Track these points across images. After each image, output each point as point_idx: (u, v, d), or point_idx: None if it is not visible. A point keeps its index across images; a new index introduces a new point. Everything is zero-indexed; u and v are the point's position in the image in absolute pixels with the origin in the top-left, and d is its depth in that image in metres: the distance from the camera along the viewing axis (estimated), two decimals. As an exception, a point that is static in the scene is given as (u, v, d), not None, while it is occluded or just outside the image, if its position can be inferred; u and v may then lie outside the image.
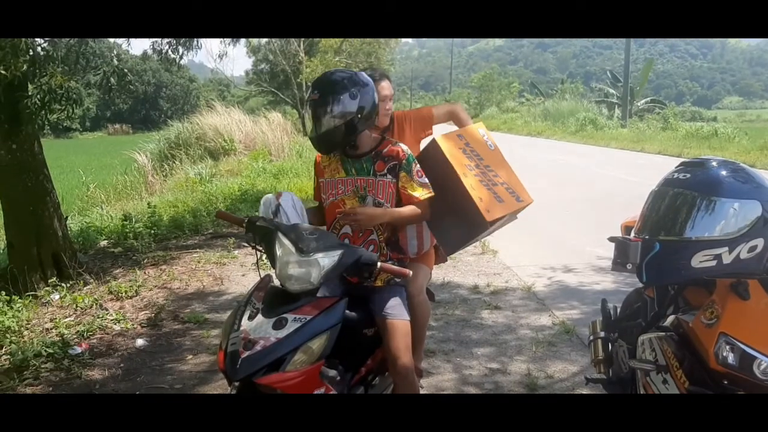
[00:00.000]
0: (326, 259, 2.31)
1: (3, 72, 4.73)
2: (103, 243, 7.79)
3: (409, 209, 2.65)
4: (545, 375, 3.77)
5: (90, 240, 7.72)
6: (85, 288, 5.74)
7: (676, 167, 2.16)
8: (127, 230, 7.84)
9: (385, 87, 3.03)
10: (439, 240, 2.96)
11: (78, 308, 5.14)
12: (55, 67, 5.73)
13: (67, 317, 5.00)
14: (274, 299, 2.34)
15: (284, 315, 2.26)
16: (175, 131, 21.41)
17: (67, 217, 6.62)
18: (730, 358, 1.90)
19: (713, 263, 1.89)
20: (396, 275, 2.56)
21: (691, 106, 53.79)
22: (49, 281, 5.69)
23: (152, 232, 7.97)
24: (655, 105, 35.93)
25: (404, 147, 2.72)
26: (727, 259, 1.88)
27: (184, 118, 24.03)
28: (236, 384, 2.26)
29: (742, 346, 1.89)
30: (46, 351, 4.08)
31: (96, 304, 5.20)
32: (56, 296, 5.40)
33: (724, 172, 2.00)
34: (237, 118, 20.86)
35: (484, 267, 6.31)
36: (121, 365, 4.02)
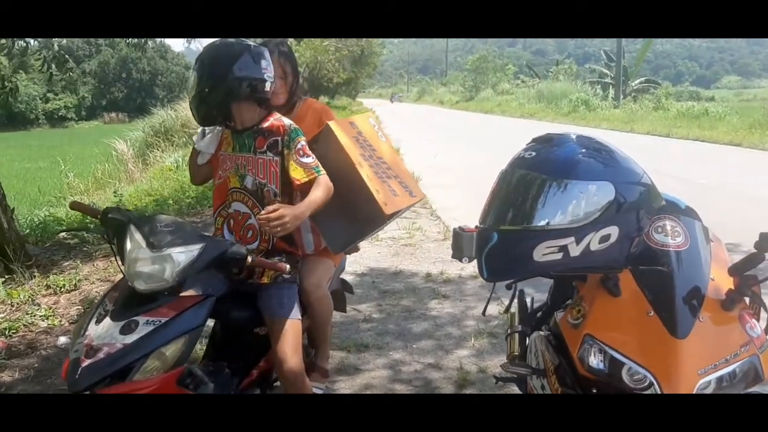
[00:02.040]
0: (182, 255, 2.07)
1: None
2: (62, 235, 7.58)
3: (315, 195, 2.37)
4: (478, 369, 3.56)
5: (48, 231, 7.51)
6: (29, 282, 5.52)
7: (527, 144, 1.86)
8: (88, 221, 7.61)
9: (277, 63, 2.70)
10: (324, 236, 2.71)
11: (12, 303, 4.92)
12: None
13: (0, 313, 4.80)
14: (129, 300, 2.09)
15: (135, 317, 2.02)
16: (159, 119, 21.14)
17: (13, 208, 6.39)
18: (597, 363, 1.68)
19: (559, 256, 1.61)
20: (273, 270, 2.34)
21: (689, 86, 53.17)
22: (-3, 274, 5.48)
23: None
24: (650, 85, 35.44)
25: (287, 121, 2.47)
26: (574, 250, 1.61)
27: (168, 105, 23.71)
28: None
29: (610, 351, 1.67)
30: (-42, 351, 3.86)
31: (30, 299, 4.99)
32: (2, 290, 5.19)
33: (573, 150, 1.72)
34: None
35: (443, 254, 6.07)
36: (36, 365, 3.79)
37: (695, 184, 9.37)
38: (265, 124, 2.45)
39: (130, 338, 1.98)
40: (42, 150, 29.44)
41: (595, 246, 1.61)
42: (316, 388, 2.78)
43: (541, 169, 1.67)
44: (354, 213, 2.53)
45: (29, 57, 6.17)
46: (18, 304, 4.92)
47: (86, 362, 1.94)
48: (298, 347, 2.44)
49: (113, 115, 69.62)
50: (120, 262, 2.18)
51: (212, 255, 2.13)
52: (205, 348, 2.75)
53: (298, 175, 2.40)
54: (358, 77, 35.73)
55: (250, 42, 2.43)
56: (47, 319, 4.57)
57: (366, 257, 5.94)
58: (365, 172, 2.50)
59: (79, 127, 64.20)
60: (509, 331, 2.75)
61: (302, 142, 2.44)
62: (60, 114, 68.43)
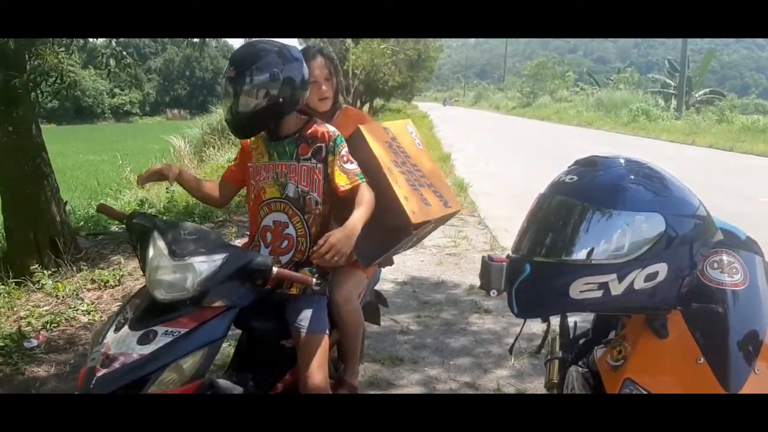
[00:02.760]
0: (204, 265, 2.00)
1: None
2: (114, 228, 7.71)
3: (361, 209, 2.26)
4: (516, 391, 3.39)
5: (100, 225, 7.65)
6: (77, 275, 5.61)
7: (569, 167, 1.68)
8: (116, 224, 7.72)
9: (317, 66, 2.62)
10: (353, 248, 2.60)
11: (57, 296, 5.00)
12: (46, 48, 5.59)
13: (45, 305, 4.88)
14: (149, 309, 2.02)
15: (154, 327, 1.96)
16: (217, 117, 21.51)
17: (66, 201, 6.51)
18: None
19: (598, 294, 1.44)
20: (298, 282, 2.25)
21: (756, 99, 51.01)
22: (47, 267, 5.59)
23: (164, 217, 7.86)
24: (714, 96, 34.23)
25: (331, 127, 2.39)
26: (616, 289, 1.44)
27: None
28: None
29: None
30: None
31: (75, 293, 5.06)
32: (50, 282, 5.29)
33: (621, 176, 1.54)
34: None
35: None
36: (72, 361, 3.81)
37: (758, 201, 8.92)
38: (308, 131, 2.38)
39: (148, 349, 1.91)
40: (105, 143, 30.30)
41: (639, 284, 1.44)
42: None
43: (583, 195, 1.51)
44: (382, 221, 2.41)
45: (96, 53, 6.25)
46: (63, 297, 5.00)
47: (101, 372, 1.89)
48: (324, 362, 2.34)
49: (175, 111, 71.52)
50: (143, 269, 2.13)
51: (235, 266, 2.05)
52: (231, 357, 2.68)
53: (342, 181, 2.32)
54: (414, 81, 35.46)
55: (287, 46, 2.34)
56: (89, 314, 4.62)
57: (408, 265, 5.82)
58: (394, 178, 2.39)
59: (142, 122, 66.12)
60: (549, 357, 2.60)
61: (346, 148, 2.37)
62: (125, 109, 70.71)
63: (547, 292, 1.48)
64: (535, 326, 4.29)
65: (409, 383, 3.54)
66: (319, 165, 2.35)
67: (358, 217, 2.22)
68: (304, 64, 2.31)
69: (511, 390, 3.41)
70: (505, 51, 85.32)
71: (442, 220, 2.63)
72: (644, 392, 1.53)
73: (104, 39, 7.29)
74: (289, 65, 2.23)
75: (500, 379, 3.57)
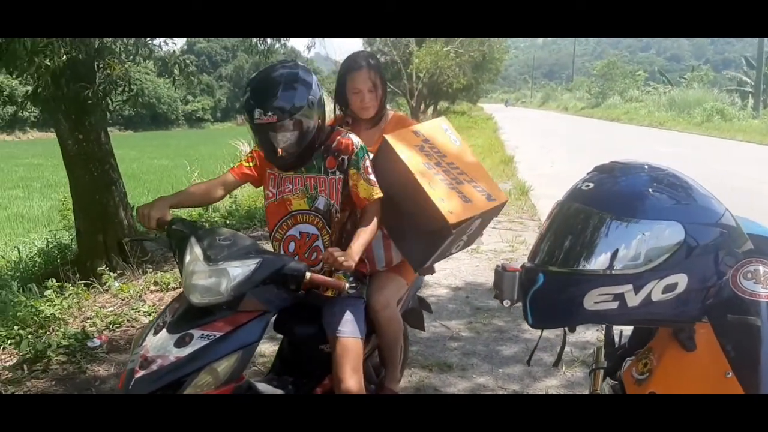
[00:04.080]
0: (238, 269, 2.04)
1: (47, 63, 4.84)
2: (158, 234, 7.95)
3: (365, 231, 2.31)
4: (566, 403, 3.31)
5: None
6: (142, 278, 5.83)
7: (588, 173, 1.62)
8: (204, 219, 7.96)
9: (361, 77, 2.64)
10: (403, 254, 2.60)
11: (122, 298, 5.21)
12: (113, 58, 5.84)
13: (110, 306, 5.09)
14: (187, 313, 2.08)
15: (190, 331, 2.02)
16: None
17: (133, 206, 6.77)
18: None
19: (614, 305, 1.38)
20: (331, 288, 2.26)
21: None
22: (114, 269, 5.84)
23: (226, 222, 8.06)
24: (798, 94, 32.42)
25: (355, 138, 2.39)
26: (632, 300, 1.37)
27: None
28: None
29: None
30: (65, 342, 4.10)
31: (139, 294, 5.25)
32: (116, 284, 5.52)
33: (641, 183, 1.47)
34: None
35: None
36: (131, 361, 3.96)
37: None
38: (334, 143, 2.38)
39: (184, 351, 1.97)
40: (178, 149, 31.37)
41: (657, 296, 1.38)
42: None
43: (600, 204, 1.45)
44: (422, 226, 2.39)
45: (162, 61, 6.49)
46: (127, 298, 5.20)
47: (139, 374, 1.95)
48: (358, 366, 2.35)
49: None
50: (181, 274, 2.19)
51: (269, 270, 2.08)
52: (272, 362, 2.73)
53: (366, 194, 2.34)
54: (479, 82, 35.22)
55: (299, 65, 2.33)
56: (149, 315, 4.78)
57: (463, 270, 5.78)
58: (428, 181, 2.36)
59: (213, 128, 68.18)
60: (594, 367, 2.53)
61: (368, 159, 2.38)
62: (197, 115, 73.07)
63: (561, 302, 1.44)
64: (590, 334, 4.19)
65: (456, 391, 3.50)
66: (340, 176, 2.36)
67: (359, 244, 2.27)
68: (315, 80, 2.29)
69: (560, 400, 3.33)
70: (574, 50, 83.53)
71: (490, 215, 2.56)
72: None
73: (169, 47, 7.57)
74: (314, 87, 2.25)
75: (549, 389, 3.49)
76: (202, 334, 2.01)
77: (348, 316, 2.35)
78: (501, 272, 1.57)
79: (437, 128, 2.63)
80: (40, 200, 15.48)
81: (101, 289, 5.43)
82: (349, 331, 2.33)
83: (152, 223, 2.25)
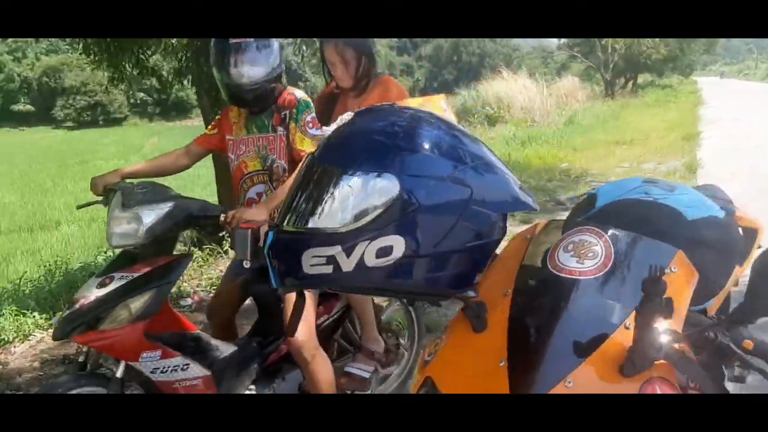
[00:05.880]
0: (152, 213, 2.15)
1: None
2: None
3: (283, 187, 2.30)
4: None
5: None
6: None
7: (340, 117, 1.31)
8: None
9: (329, 52, 2.62)
10: None
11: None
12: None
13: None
14: (117, 260, 2.29)
15: (112, 273, 2.19)
16: (461, 99, 21.87)
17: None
18: None
19: (329, 269, 1.11)
20: (250, 227, 2.20)
21: None
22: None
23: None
24: None
25: (299, 94, 2.40)
26: (346, 264, 1.10)
27: (471, 85, 24.43)
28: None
29: None
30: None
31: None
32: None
33: (366, 131, 1.19)
34: (522, 84, 20.39)
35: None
36: (204, 321, 4.17)
37: None
38: (279, 100, 2.40)
39: (102, 291, 2.14)
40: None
41: (371, 261, 1.10)
42: (362, 370, 2.62)
43: (323, 154, 1.20)
44: None
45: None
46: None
47: (65, 313, 2.15)
48: (308, 319, 2.32)
49: (442, 95, 74.50)
50: None
51: (182, 213, 2.19)
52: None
53: (305, 146, 2.29)
54: (686, 53, 31.83)
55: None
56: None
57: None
58: None
59: (410, 107, 70.06)
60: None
61: (312, 114, 2.35)
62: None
63: (285, 264, 1.18)
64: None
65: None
66: (284, 131, 2.37)
67: (273, 199, 2.26)
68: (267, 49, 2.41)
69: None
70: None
71: None
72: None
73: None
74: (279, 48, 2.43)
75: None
76: (122, 276, 2.17)
77: None
78: (235, 230, 1.41)
79: (437, 105, 2.44)
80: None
81: (225, 256, 5.80)
82: None
83: (98, 189, 2.41)
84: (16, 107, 48.84)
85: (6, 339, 4.11)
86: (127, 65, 5.94)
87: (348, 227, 1.09)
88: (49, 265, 5.86)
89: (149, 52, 5.98)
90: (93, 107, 48.00)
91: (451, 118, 2.40)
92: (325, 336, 2.56)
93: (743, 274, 2.14)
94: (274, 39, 2.37)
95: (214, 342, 2.40)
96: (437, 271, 1.16)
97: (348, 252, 1.09)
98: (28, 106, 49.14)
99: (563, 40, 35.65)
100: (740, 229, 1.81)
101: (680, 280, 1.22)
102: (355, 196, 1.09)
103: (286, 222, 1.17)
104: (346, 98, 2.67)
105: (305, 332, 2.28)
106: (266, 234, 1.20)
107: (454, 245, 1.14)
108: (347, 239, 1.09)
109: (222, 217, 2.18)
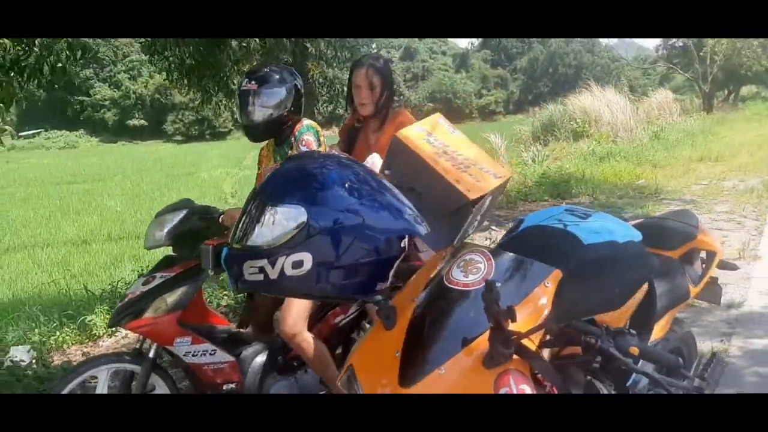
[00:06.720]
0: (172, 219, 2.77)
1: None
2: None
3: None
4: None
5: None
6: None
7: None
8: None
9: (360, 75, 2.96)
10: (425, 241, 2.82)
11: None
12: (315, 61, 6.72)
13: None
14: (161, 263, 2.87)
15: (155, 273, 2.77)
16: (548, 114, 21.77)
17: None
18: None
19: (260, 277, 1.51)
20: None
21: None
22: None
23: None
24: None
25: (306, 121, 2.85)
26: (272, 273, 1.49)
27: (558, 100, 24.16)
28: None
29: (360, 392, 1.55)
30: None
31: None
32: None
33: (291, 170, 1.63)
34: (609, 99, 20.06)
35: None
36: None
37: None
38: (294, 129, 2.86)
39: (146, 288, 2.72)
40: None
41: (290, 271, 1.49)
42: None
43: (260, 189, 1.64)
44: (442, 210, 2.60)
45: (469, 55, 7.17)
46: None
47: (118, 305, 2.76)
48: (300, 312, 2.67)
49: (536, 109, 72.70)
50: None
51: (193, 216, 2.77)
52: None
53: None
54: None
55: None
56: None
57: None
58: (441, 168, 2.56)
59: (505, 120, 69.08)
60: None
61: (310, 135, 2.78)
62: (490, 108, 74.75)
63: (234, 273, 1.58)
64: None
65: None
66: None
67: None
68: (300, 81, 2.91)
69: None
70: None
71: (497, 192, 2.70)
72: (356, 384, 1.58)
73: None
74: (295, 83, 2.86)
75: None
76: (162, 275, 2.75)
77: None
78: (201, 246, 1.93)
79: (434, 122, 2.81)
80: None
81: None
82: None
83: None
84: (131, 122, 52.29)
85: (97, 334, 4.78)
86: (211, 89, 6.59)
87: (270, 245, 1.50)
88: (141, 270, 6.42)
89: (229, 73, 6.56)
90: (200, 122, 50.62)
91: (451, 129, 2.81)
92: (342, 334, 2.91)
93: (696, 293, 2.39)
94: (280, 84, 2.83)
95: (243, 335, 2.94)
96: (343, 279, 1.55)
97: (272, 264, 1.50)
98: (142, 121, 52.48)
99: (661, 51, 34.51)
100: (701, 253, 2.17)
101: (553, 292, 1.60)
102: (275, 222, 1.51)
103: (235, 240, 1.60)
104: (367, 129, 3.00)
105: (292, 327, 2.66)
106: (222, 249, 1.66)
107: (353, 259, 1.54)
108: (271, 254, 1.50)
109: (220, 219, 2.76)
